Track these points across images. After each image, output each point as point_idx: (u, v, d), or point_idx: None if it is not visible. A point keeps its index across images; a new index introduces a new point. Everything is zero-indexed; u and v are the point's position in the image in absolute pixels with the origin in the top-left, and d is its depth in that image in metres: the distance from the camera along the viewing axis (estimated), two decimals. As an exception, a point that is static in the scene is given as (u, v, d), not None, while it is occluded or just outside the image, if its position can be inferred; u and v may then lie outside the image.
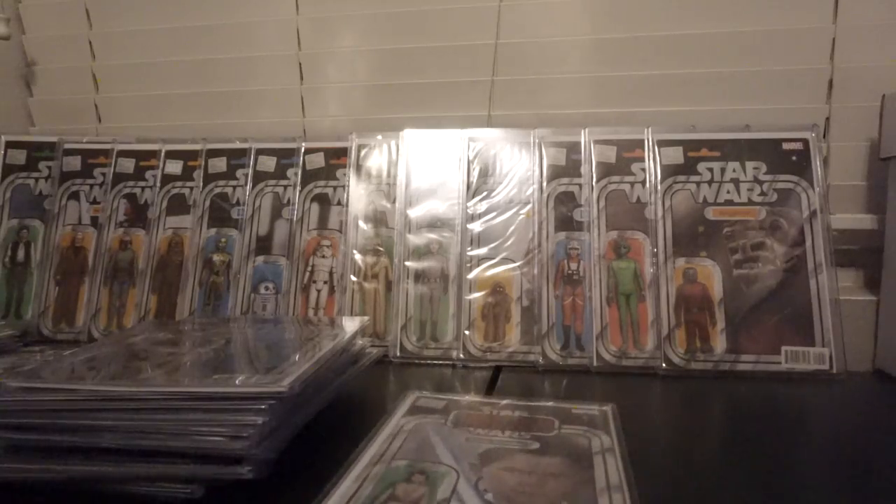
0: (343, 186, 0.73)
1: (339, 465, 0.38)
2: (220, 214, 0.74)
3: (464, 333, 0.67)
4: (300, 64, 0.83)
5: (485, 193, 0.71)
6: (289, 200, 0.74)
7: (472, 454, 0.40)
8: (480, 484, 0.36)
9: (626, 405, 0.53)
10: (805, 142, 0.67)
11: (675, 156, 0.69)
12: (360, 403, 0.54)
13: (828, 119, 0.71)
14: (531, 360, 0.66)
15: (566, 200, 0.70)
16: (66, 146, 0.79)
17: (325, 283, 0.71)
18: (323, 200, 0.74)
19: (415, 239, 0.71)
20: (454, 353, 0.67)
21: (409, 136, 0.74)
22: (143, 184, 0.77)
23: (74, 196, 0.78)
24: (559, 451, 0.40)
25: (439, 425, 0.45)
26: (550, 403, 0.50)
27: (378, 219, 0.72)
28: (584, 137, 0.71)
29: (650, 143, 0.69)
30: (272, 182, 0.75)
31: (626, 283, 0.67)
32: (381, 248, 0.71)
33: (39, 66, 0.91)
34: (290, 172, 0.75)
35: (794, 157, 0.67)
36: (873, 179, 0.71)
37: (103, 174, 0.78)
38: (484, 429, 0.44)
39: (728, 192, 0.67)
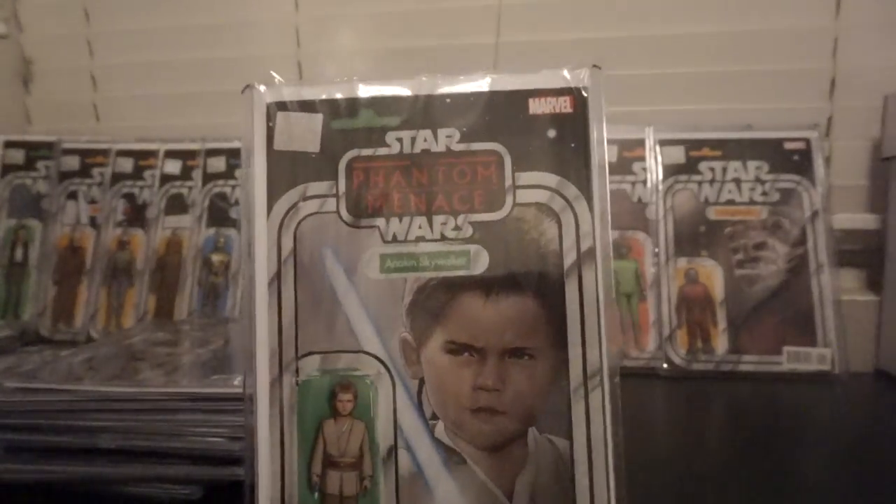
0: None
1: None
2: (219, 214, 0.74)
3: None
4: (299, 63, 0.83)
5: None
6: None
7: (397, 312, 0.31)
8: (426, 403, 0.30)
9: (627, 406, 0.53)
10: (807, 141, 0.67)
11: (677, 155, 0.68)
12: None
13: (830, 118, 0.71)
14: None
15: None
16: (65, 146, 0.79)
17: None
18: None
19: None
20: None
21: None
22: (141, 183, 0.76)
23: (73, 196, 0.77)
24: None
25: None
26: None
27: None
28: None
29: (651, 143, 0.69)
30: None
31: (627, 283, 0.67)
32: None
33: (37, 65, 0.90)
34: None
35: (796, 157, 0.67)
36: (875, 179, 0.70)
37: (102, 174, 0.77)
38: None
39: (730, 191, 0.67)
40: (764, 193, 0.66)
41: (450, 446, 0.30)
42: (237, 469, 0.35)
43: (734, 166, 0.67)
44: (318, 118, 0.32)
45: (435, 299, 0.30)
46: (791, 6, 0.71)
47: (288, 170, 0.31)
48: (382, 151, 0.31)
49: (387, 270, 0.31)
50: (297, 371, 0.30)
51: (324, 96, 0.32)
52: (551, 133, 0.31)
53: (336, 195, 0.31)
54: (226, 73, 0.85)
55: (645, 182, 0.68)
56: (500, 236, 0.31)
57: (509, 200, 0.31)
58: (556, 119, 0.31)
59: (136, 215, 0.76)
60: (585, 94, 0.31)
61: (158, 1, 0.86)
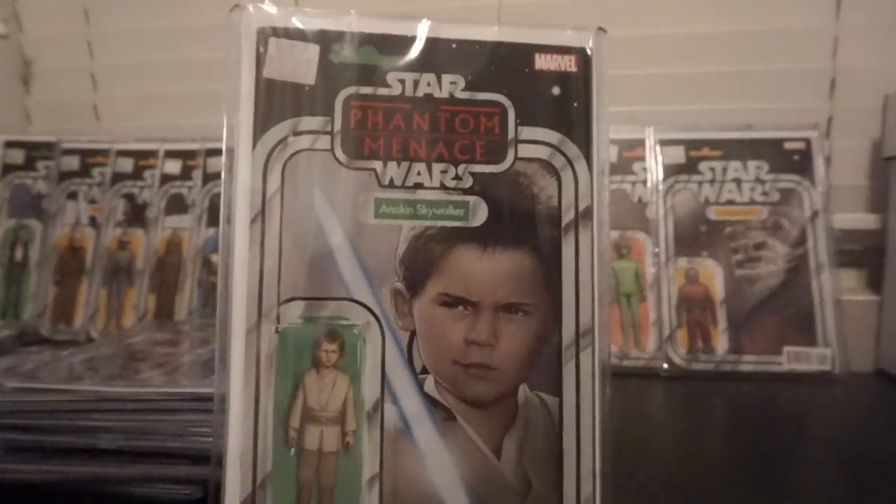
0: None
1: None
2: (219, 214, 0.74)
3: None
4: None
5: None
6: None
7: (389, 260, 0.29)
8: (416, 356, 0.29)
9: (628, 406, 0.53)
10: (807, 141, 0.67)
11: (677, 155, 0.68)
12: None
13: (830, 118, 0.71)
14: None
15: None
16: (65, 146, 0.79)
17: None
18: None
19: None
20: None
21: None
22: (141, 183, 0.76)
23: (73, 196, 0.77)
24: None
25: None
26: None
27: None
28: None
29: (651, 143, 0.69)
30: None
31: (627, 283, 0.67)
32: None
33: (37, 65, 0.90)
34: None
35: (796, 157, 0.67)
36: (876, 179, 0.70)
37: (102, 174, 0.77)
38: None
39: (730, 191, 0.67)
40: (764, 193, 0.66)
41: (439, 401, 0.29)
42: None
43: (734, 166, 0.67)
44: (315, 48, 0.29)
45: (430, 249, 0.29)
46: (791, 6, 0.71)
47: (278, 101, 0.29)
48: (383, 91, 0.30)
49: (381, 216, 0.29)
50: (277, 318, 0.28)
51: (322, 27, 0.29)
52: (555, 90, 0.31)
53: (331, 132, 0.29)
54: (225, 73, 0.85)
55: (645, 182, 0.68)
56: (500, 189, 0.30)
57: (511, 154, 0.30)
58: (561, 77, 0.31)
59: (136, 215, 0.75)
60: (590, 55, 0.31)
61: (158, 1, 0.86)
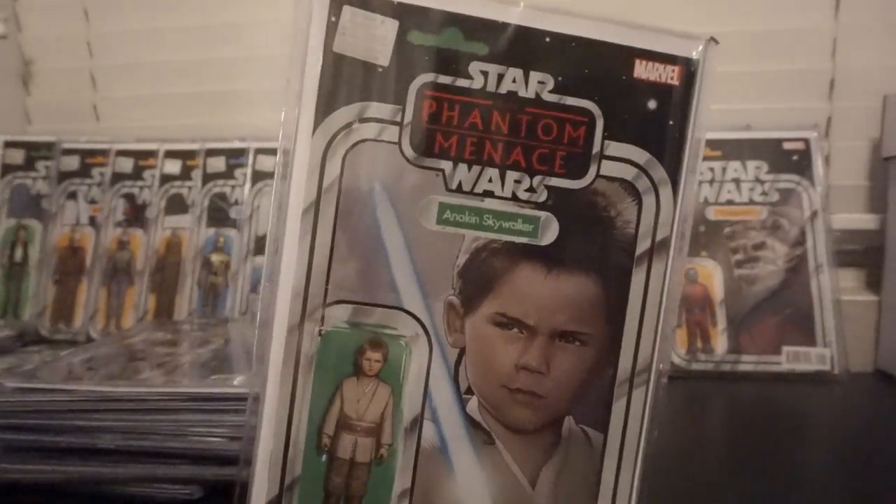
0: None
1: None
2: (219, 214, 0.74)
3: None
4: (299, 63, 0.83)
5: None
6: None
7: (447, 271, 0.27)
8: (463, 375, 0.28)
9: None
10: (806, 141, 0.67)
11: (676, 155, 0.68)
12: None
13: (829, 119, 0.71)
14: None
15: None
16: (65, 146, 0.78)
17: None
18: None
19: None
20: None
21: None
22: (141, 183, 0.76)
23: (73, 196, 0.77)
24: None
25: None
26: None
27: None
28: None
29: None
30: (271, 181, 0.74)
31: (627, 283, 0.67)
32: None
33: (37, 65, 0.90)
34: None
35: (795, 157, 0.67)
36: (875, 179, 0.70)
37: (101, 174, 0.77)
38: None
39: (729, 191, 0.67)
40: (763, 193, 0.66)
41: (480, 424, 0.28)
42: (238, 469, 0.35)
43: (734, 166, 0.67)
44: (393, 24, 0.26)
45: (492, 264, 0.27)
46: (791, 6, 0.71)
47: (346, 80, 0.26)
48: (463, 83, 0.27)
49: (444, 222, 0.27)
50: (322, 319, 0.27)
51: (402, 0, 0.26)
52: (651, 104, 0.27)
53: (400, 123, 0.26)
54: (226, 73, 0.85)
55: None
56: (575, 208, 0.27)
57: (593, 170, 0.27)
58: (660, 90, 0.27)
59: (136, 215, 0.75)
60: (695, 69, 0.28)
61: (158, 1, 0.86)
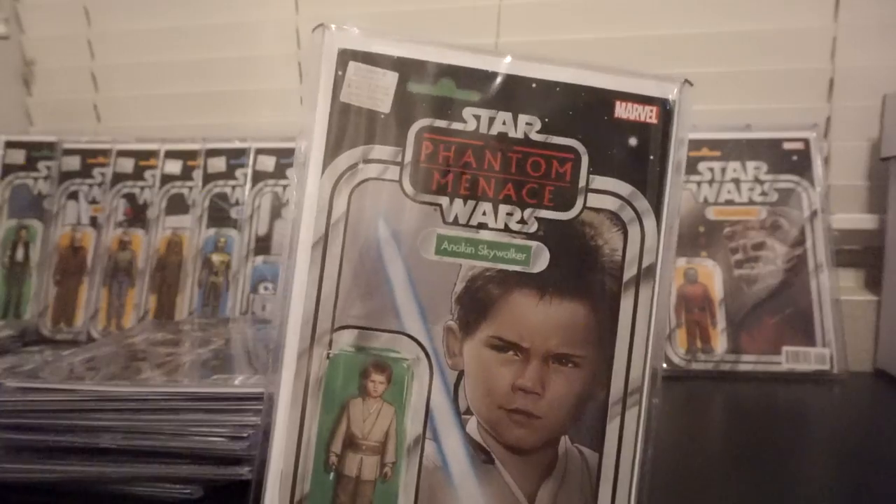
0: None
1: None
2: (220, 214, 0.74)
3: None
4: (299, 63, 0.83)
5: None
6: (288, 200, 0.74)
7: (445, 298, 0.29)
8: (462, 396, 0.29)
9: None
10: (806, 141, 0.67)
11: (676, 155, 0.68)
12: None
13: (829, 119, 0.71)
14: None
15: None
16: (66, 146, 0.79)
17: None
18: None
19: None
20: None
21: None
22: (142, 183, 0.76)
23: (74, 196, 0.77)
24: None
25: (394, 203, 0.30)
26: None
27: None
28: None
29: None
30: (271, 182, 0.74)
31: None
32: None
33: (38, 65, 0.90)
34: (289, 172, 0.74)
35: (794, 157, 0.67)
36: (874, 179, 0.70)
37: (102, 174, 0.77)
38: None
39: (729, 191, 0.67)
40: (763, 193, 0.66)
41: (479, 444, 0.29)
42: (238, 469, 0.36)
43: (733, 166, 0.67)
44: (394, 76, 0.29)
45: (487, 291, 0.29)
46: (790, 6, 0.71)
47: (352, 126, 0.29)
48: (457, 126, 0.29)
49: (442, 252, 0.29)
50: (330, 344, 0.29)
51: (402, 54, 0.29)
52: (632, 141, 0.30)
53: (401, 164, 0.29)
54: (226, 73, 0.85)
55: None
56: (564, 237, 0.29)
57: (579, 202, 0.30)
58: (639, 128, 0.30)
59: (137, 215, 0.76)
60: (672, 109, 0.30)
61: (158, 1, 0.86)
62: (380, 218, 0.29)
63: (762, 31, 0.72)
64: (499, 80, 0.30)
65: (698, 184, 0.67)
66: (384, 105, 0.29)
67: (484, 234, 0.29)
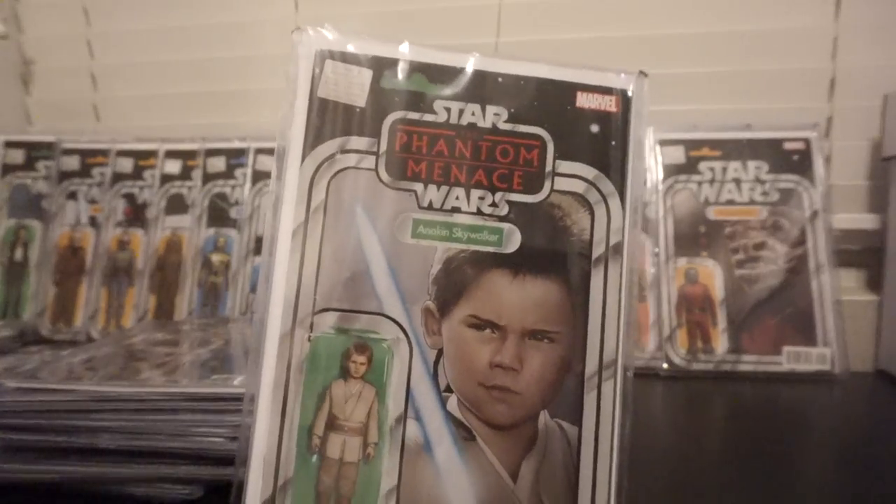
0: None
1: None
2: (219, 214, 0.74)
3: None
4: (300, 63, 0.83)
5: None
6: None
7: (423, 279, 0.30)
8: (442, 375, 0.30)
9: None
10: (807, 141, 0.67)
11: (677, 155, 0.68)
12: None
13: (830, 118, 0.71)
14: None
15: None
16: (65, 146, 0.79)
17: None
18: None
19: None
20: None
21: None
22: (141, 183, 0.76)
23: (73, 196, 0.77)
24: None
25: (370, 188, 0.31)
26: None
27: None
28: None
29: (651, 143, 0.69)
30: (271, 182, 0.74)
31: (627, 283, 0.67)
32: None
33: (37, 64, 0.90)
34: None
35: (795, 157, 0.67)
36: (875, 179, 0.70)
37: (102, 174, 0.77)
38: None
39: (729, 191, 0.67)
40: (764, 193, 0.66)
41: (460, 421, 0.29)
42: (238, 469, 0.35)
43: (734, 166, 0.67)
44: (368, 73, 0.31)
45: (463, 272, 0.30)
46: (791, 6, 0.71)
47: (329, 119, 0.31)
48: (429, 118, 0.31)
49: (418, 236, 0.30)
50: (311, 326, 0.29)
51: (376, 53, 0.31)
52: (594, 128, 0.32)
53: (376, 153, 0.31)
54: (226, 73, 0.85)
55: (645, 182, 0.68)
56: (534, 219, 0.31)
57: (547, 185, 0.31)
58: (601, 116, 0.32)
59: (136, 215, 0.76)
60: (630, 97, 0.32)
61: (158, 1, 0.86)
62: (357, 204, 0.30)
63: (763, 30, 0.72)
64: (467, 75, 0.31)
65: (699, 183, 0.67)
66: (360, 100, 0.31)
67: (458, 218, 0.31)
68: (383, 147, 0.31)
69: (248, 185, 0.75)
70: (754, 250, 0.65)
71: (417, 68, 0.31)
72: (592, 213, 0.31)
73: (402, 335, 0.30)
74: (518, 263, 0.30)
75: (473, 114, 0.31)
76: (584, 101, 0.32)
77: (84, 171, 0.78)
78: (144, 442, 0.36)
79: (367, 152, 0.31)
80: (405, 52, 0.31)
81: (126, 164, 0.77)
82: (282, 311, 0.29)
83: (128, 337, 0.54)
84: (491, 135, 0.31)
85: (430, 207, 0.31)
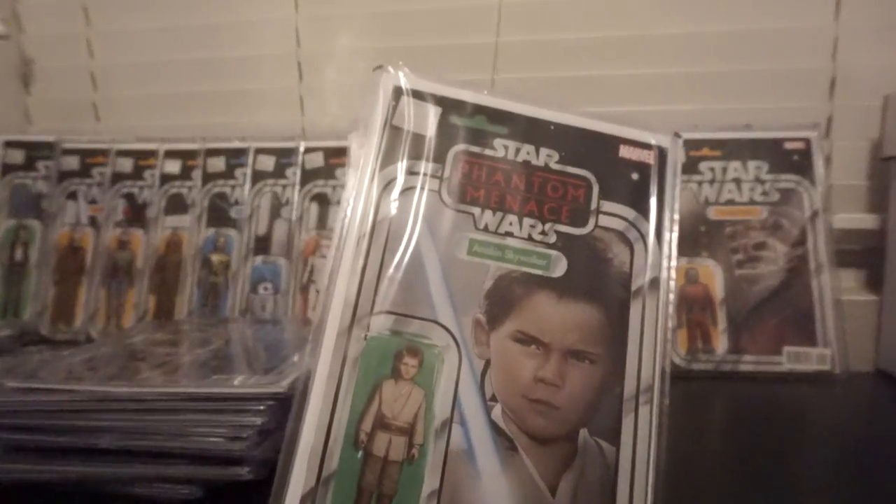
0: (342, 186, 0.73)
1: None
2: (219, 214, 0.74)
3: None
4: (299, 63, 0.83)
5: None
6: (287, 200, 0.74)
7: (475, 293, 0.33)
8: (488, 384, 0.31)
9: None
10: (807, 141, 0.67)
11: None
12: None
13: (830, 118, 0.71)
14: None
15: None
16: (65, 145, 0.78)
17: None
18: (322, 200, 0.73)
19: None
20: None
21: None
22: (141, 183, 0.76)
23: (73, 196, 0.77)
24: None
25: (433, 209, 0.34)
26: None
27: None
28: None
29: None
30: (271, 181, 0.74)
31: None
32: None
33: (37, 64, 0.90)
34: (289, 172, 0.74)
35: (795, 157, 0.67)
36: (875, 179, 0.70)
37: (102, 174, 0.77)
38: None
39: (730, 191, 0.67)
40: (764, 193, 0.66)
41: (503, 430, 0.30)
42: (238, 469, 0.35)
43: (734, 166, 0.67)
44: (437, 110, 0.35)
45: (512, 290, 0.33)
46: (791, 6, 0.71)
47: (401, 145, 0.34)
48: (489, 152, 0.35)
49: (473, 254, 0.33)
50: (368, 326, 0.31)
51: (445, 94, 0.36)
52: (634, 175, 0.35)
53: (440, 177, 0.34)
54: (225, 72, 0.85)
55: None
56: (579, 249, 0.34)
57: (592, 221, 0.34)
58: (640, 166, 0.36)
59: (136, 215, 0.76)
60: (666, 153, 0.36)
61: (158, 1, 0.86)
62: (420, 220, 0.34)
63: (763, 30, 0.72)
64: (523, 120, 0.36)
65: (699, 183, 0.67)
66: (429, 131, 0.35)
67: (510, 241, 0.34)
68: (447, 173, 0.35)
69: (247, 185, 0.75)
70: (754, 250, 0.65)
71: (480, 110, 0.36)
72: (632, 249, 0.34)
73: (452, 343, 0.32)
74: (563, 287, 0.33)
75: (528, 153, 0.35)
76: (626, 152, 0.36)
77: (84, 171, 0.78)
78: (144, 442, 0.36)
79: (432, 176, 0.34)
80: (469, 95, 0.36)
81: (126, 164, 0.77)
82: (342, 310, 0.31)
83: (128, 337, 0.54)
84: (543, 172, 0.35)
85: (485, 229, 0.34)
